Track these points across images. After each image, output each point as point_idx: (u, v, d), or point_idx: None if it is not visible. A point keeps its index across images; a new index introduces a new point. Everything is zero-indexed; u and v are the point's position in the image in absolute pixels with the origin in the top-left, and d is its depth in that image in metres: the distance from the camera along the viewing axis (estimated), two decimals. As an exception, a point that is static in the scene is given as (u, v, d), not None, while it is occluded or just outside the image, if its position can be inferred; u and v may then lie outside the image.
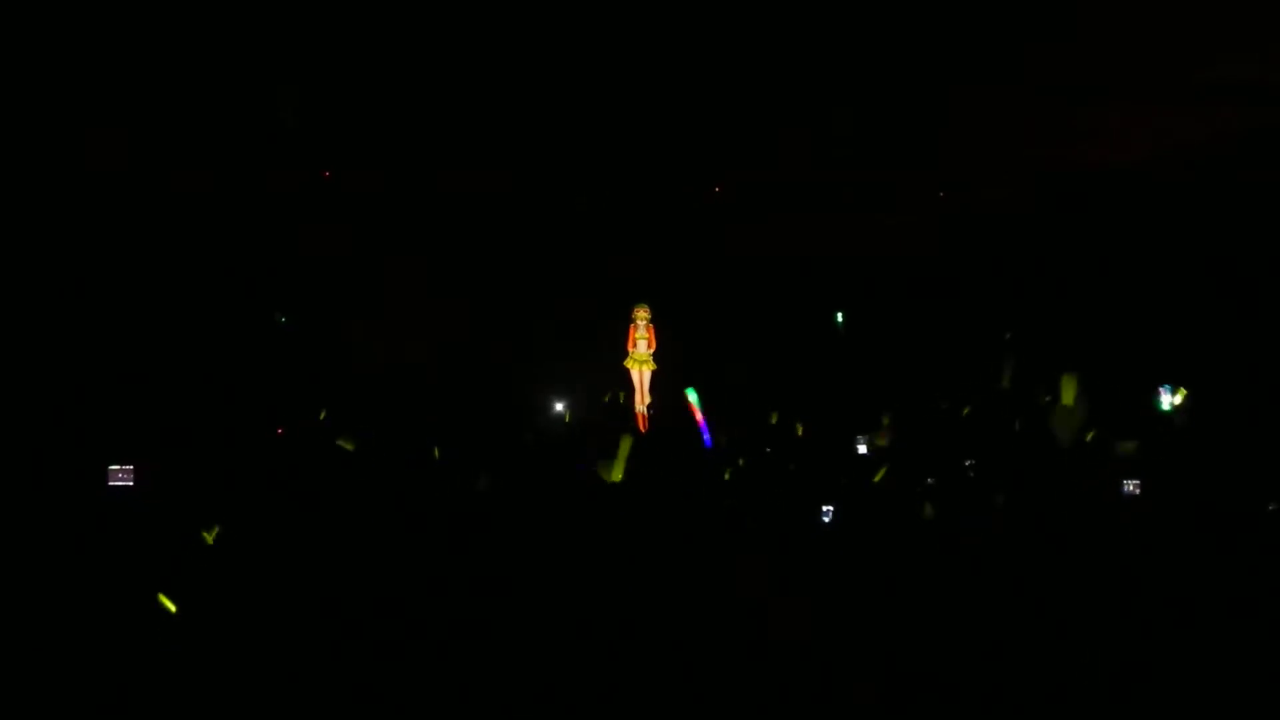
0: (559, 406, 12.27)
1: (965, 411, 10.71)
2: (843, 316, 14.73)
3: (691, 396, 10.33)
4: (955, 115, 13.97)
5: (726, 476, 8.35)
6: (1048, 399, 10.87)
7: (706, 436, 10.08)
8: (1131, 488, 7.71)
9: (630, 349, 12.72)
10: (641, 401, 12.60)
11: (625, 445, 7.83)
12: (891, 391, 12.11)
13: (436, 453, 8.88)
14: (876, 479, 8.39)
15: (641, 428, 12.25)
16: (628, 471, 7.85)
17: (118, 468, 7.40)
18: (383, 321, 13.36)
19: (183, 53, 12.60)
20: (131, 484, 7.38)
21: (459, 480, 7.71)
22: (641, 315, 12.61)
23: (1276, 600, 5.53)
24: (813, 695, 4.90)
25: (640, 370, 12.63)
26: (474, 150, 14.02)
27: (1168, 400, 11.12)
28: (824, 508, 7.25)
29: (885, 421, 10.47)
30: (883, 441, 9.92)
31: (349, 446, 8.37)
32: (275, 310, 13.73)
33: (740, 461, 8.95)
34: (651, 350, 12.68)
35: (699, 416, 10.10)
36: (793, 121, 14.03)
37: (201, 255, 13.13)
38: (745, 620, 5.32)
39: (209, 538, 6.27)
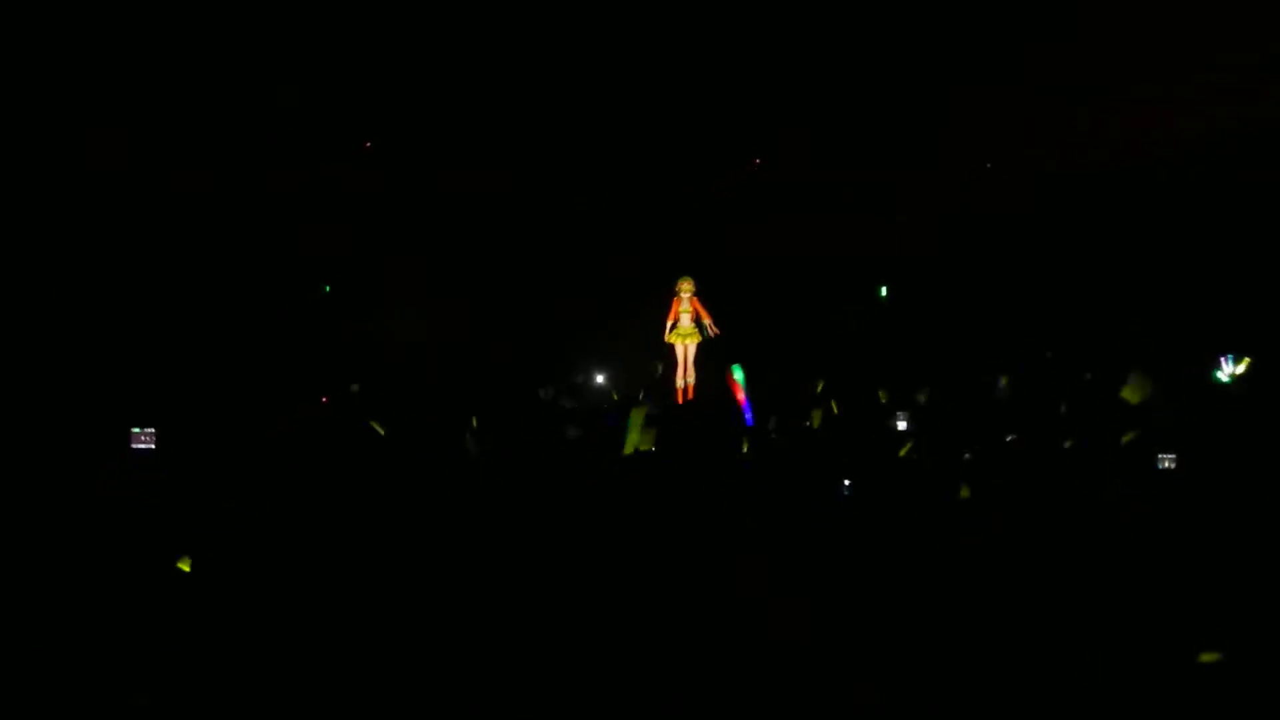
0: (600, 380, 12.29)
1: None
2: (885, 291, 14.59)
3: (737, 375, 10.20)
4: (955, 115, 13.99)
5: (745, 449, 8.33)
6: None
7: (749, 415, 9.93)
8: (1168, 463, 7.69)
9: (674, 322, 12.63)
10: (682, 376, 12.44)
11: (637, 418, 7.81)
12: (901, 383, 12.12)
13: (474, 421, 8.88)
14: (902, 454, 8.39)
15: (680, 401, 12.14)
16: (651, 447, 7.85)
17: (140, 431, 7.36)
18: (382, 320, 13.37)
19: (183, 52, 12.62)
20: (154, 447, 7.34)
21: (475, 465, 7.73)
22: (685, 288, 12.40)
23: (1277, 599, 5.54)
24: (813, 695, 4.91)
25: (684, 344, 12.43)
26: (474, 150, 14.04)
27: (1228, 371, 10.82)
28: (844, 482, 7.29)
29: (922, 397, 10.44)
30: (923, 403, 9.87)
31: (379, 430, 8.45)
32: (320, 284, 13.72)
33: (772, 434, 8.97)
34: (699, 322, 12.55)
35: (741, 395, 10.00)
36: (793, 121, 14.05)
37: (202, 255, 13.14)
38: (745, 620, 5.32)
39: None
